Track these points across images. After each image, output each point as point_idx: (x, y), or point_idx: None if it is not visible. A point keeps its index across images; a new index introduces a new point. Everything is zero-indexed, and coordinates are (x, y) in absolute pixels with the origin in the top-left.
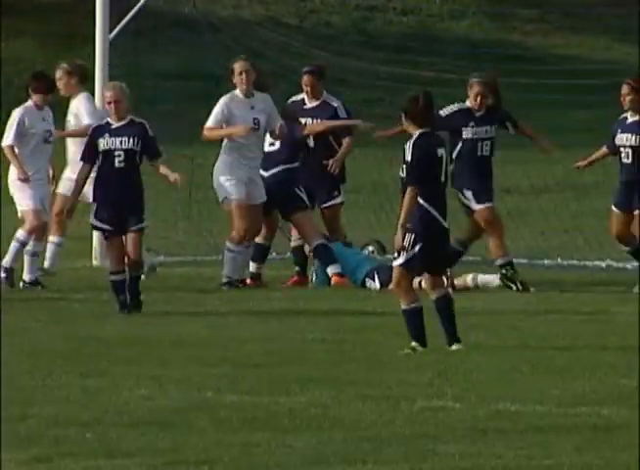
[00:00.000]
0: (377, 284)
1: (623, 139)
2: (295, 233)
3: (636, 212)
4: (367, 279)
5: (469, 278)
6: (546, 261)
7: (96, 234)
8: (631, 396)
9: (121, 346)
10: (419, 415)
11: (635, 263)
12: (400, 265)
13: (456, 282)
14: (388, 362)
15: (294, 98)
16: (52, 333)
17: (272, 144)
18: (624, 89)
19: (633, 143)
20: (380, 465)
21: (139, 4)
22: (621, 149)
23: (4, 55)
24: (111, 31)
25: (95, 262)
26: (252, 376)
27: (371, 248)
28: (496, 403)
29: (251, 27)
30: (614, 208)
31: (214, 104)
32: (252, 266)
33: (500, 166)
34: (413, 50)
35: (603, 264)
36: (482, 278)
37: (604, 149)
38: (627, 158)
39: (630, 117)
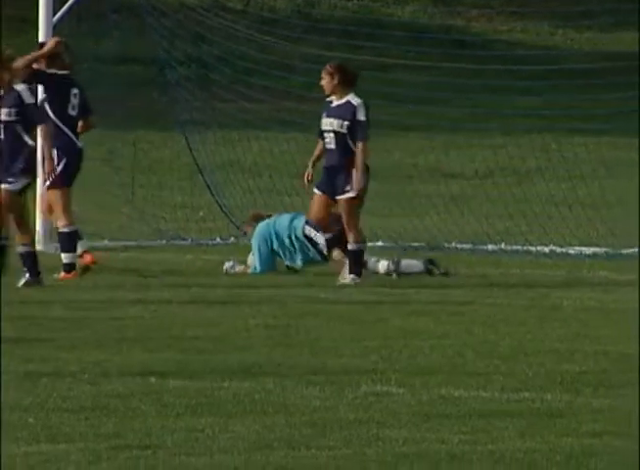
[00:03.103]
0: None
1: (327, 124)
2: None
3: (341, 197)
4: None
5: (385, 264)
6: (490, 246)
7: (38, 220)
8: (574, 381)
9: (65, 331)
10: (363, 400)
11: (578, 248)
12: None
13: (378, 267)
14: (332, 348)
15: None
16: None
17: (73, 107)
18: (322, 73)
19: (335, 127)
20: (323, 450)
21: None
22: (325, 134)
23: None
24: (54, 15)
25: (38, 247)
26: (196, 361)
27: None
28: (440, 389)
29: (196, 12)
30: (316, 190)
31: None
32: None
33: (444, 152)
34: (357, 35)
35: (546, 249)
36: (405, 263)
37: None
38: (331, 143)
39: (335, 101)
